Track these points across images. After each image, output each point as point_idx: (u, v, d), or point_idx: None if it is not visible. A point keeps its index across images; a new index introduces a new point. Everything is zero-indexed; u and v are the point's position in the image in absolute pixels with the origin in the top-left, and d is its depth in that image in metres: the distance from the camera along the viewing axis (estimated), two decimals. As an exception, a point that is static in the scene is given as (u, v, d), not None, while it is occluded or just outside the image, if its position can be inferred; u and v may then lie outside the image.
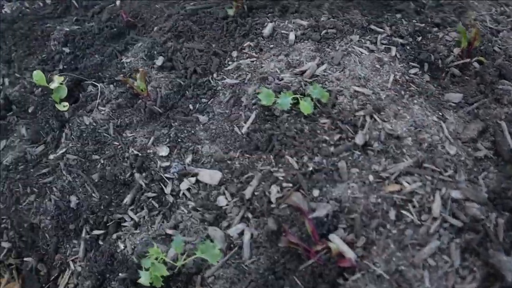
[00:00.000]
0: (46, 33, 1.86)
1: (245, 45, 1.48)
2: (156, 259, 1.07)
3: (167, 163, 1.27)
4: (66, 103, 1.55)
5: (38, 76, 1.52)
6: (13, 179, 1.46)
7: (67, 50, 1.77)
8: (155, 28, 1.73)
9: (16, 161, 1.49)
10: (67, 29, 1.82)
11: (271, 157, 1.20)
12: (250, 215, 1.13)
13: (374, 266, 1.00)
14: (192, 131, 1.32)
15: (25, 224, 1.38)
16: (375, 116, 1.18)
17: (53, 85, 1.54)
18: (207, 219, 1.16)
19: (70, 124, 1.46)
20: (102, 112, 1.46)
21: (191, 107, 1.37)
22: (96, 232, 1.28)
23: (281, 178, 1.13)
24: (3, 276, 1.42)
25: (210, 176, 1.21)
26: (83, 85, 1.64)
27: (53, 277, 1.34)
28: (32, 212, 1.38)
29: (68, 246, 1.33)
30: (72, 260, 1.30)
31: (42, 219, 1.35)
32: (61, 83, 1.55)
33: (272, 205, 1.12)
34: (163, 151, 1.32)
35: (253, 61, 1.42)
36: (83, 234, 1.30)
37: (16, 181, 1.45)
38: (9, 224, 1.45)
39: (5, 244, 1.44)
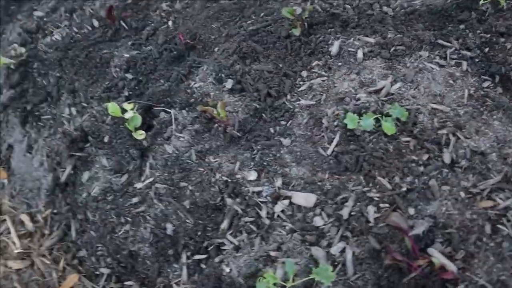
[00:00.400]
0: (104, 59, 1.93)
1: (313, 64, 1.54)
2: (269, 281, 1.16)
3: (259, 188, 1.35)
4: (142, 132, 1.62)
5: (113, 108, 1.59)
6: (104, 209, 1.55)
7: (129, 76, 1.84)
8: (216, 49, 1.78)
9: (103, 191, 1.58)
10: (127, 55, 1.88)
11: (361, 177, 1.28)
12: (349, 234, 1.22)
13: (476, 277, 1.09)
14: (277, 155, 1.39)
15: (123, 251, 1.48)
16: (458, 134, 1.25)
17: (127, 115, 1.61)
18: (308, 239, 1.24)
19: (153, 154, 1.53)
20: (181, 139, 1.53)
21: (271, 130, 1.44)
22: (197, 256, 1.37)
23: (377, 199, 1.22)
24: (105, 301, 1.53)
25: (305, 199, 1.29)
26: (153, 112, 1.71)
27: (157, 299, 1.44)
28: (129, 241, 1.47)
29: (169, 270, 1.42)
30: (176, 283, 1.40)
31: (141, 246, 1.44)
32: (134, 112, 1.62)
33: (371, 224, 1.20)
34: (251, 175, 1.40)
35: (324, 81, 1.48)
36: (183, 259, 1.39)
37: (107, 211, 1.54)
38: (105, 251, 1.54)
39: (104, 270, 1.54)
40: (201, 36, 1.86)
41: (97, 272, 1.57)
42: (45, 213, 1.80)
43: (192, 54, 1.84)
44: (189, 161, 1.50)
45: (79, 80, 1.94)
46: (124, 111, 1.58)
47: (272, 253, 1.26)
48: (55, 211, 1.77)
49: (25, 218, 1.84)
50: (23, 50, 2.09)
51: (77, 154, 1.69)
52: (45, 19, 2.25)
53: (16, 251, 1.75)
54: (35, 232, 1.80)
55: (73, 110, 1.88)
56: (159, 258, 1.42)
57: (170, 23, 1.98)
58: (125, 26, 2.09)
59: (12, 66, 2.04)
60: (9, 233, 1.83)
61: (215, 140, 1.53)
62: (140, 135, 1.61)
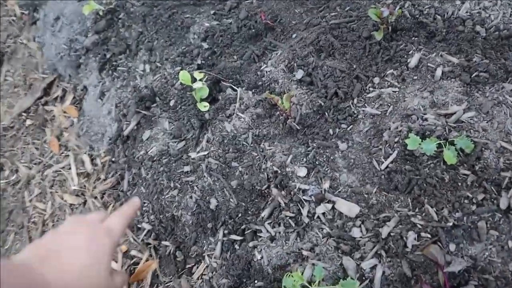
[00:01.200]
0: (185, 24, 1.97)
1: (388, 72, 1.50)
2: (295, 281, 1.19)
3: (306, 186, 1.36)
4: (207, 104, 1.67)
5: (184, 76, 1.64)
6: (157, 170, 1.63)
7: (205, 45, 1.88)
8: (294, 36, 1.78)
9: (160, 153, 1.66)
10: (207, 24, 1.91)
11: (409, 200, 1.26)
12: (383, 253, 1.22)
13: (504, 330, 1.06)
14: (331, 157, 1.40)
15: (166, 213, 1.56)
16: (522, 179, 1.19)
17: (196, 85, 1.66)
18: (342, 248, 1.26)
19: (212, 128, 1.58)
20: (242, 119, 1.56)
21: (330, 131, 1.44)
22: (233, 236, 1.42)
23: (420, 226, 1.20)
24: (142, 253, 1.63)
25: (349, 208, 1.29)
26: (221, 86, 1.75)
27: (188, 265, 1.52)
28: (174, 205, 1.54)
29: (205, 242, 1.49)
30: (208, 255, 1.47)
31: (183, 213, 1.51)
32: (203, 83, 1.67)
33: (407, 249, 1.19)
34: (302, 171, 1.41)
35: (395, 92, 1.45)
36: (219, 236, 1.45)
37: (160, 173, 1.62)
38: (150, 208, 1.63)
39: (146, 226, 1.63)
40: (282, 19, 1.85)
41: (139, 226, 1.67)
42: (104, 159, 1.91)
43: (270, 36, 1.84)
44: (244, 143, 1.53)
45: (158, 39, 2.00)
46: (194, 79, 1.63)
47: (305, 252, 1.28)
48: (113, 159, 1.88)
49: (86, 158, 1.97)
50: (113, -1, 2.18)
51: (143, 112, 1.77)
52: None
53: (73, 187, 1.89)
54: (92, 174, 1.92)
55: (147, 67, 1.96)
56: (197, 228, 1.49)
57: (254, 0, 1.98)
58: (211, -8, 2.11)
59: (100, 13, 2.13)
60: (70, 169, 1.97)
61: (273, 128, 1.55)
62: (205, 107, 1.65)
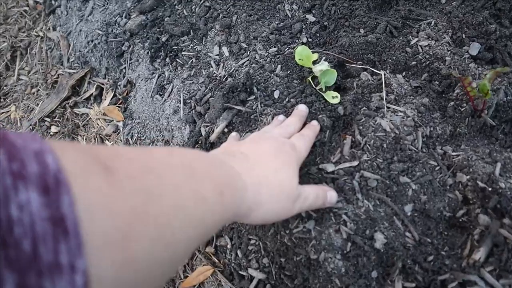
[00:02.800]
0: (275, -8, 1.45)
1: None
2: None
3: (545, 212, 0.84)
4: (337, 94, 1.15)
5: (303, 53, 1.13)
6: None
7: (311, 18, 1.36)
8: (443, 0, 1.27)
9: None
10: (310, -10, 1.40)
11: None
12: None
13: None
14: None
15: (296, 256, 1.02)
16: None
17: (318, 67, 1.14)
18: None
19: (360, 128, 1.05)
20: (400, 114, 1.05)
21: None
22: (424, 293, 0.89)
23: None
24: (253, 314, 1.08)
25: None
26: (348, 70, 1.23)
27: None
28: (309, 245, 1.00)
29: (370, 300, 0.95)
30: (376, 323, 0.92)
31: (328, 257, 0.97)
32: (328, 65, 1.15)
33: None
34: (525, 189, 0.89)
35: None
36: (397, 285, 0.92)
37: (278, 194, 1.08)
38: (261, 247, 1.10)
39: (255, 273, 1.11)
40: (420, -21, 1.35)
41: (243, 273, 1.13)
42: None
43: (403, 2, 1.33)
44: (412, 147, 1.01)
45: (237, 13, 1.48)
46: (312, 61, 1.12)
47: None
48: (187, 175, 1.33)
49: (143, 175, 1.41)
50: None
51: (237, 107, 1.24)
52: None
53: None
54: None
55: (225, 50, 1.43)
56: (355, 280, 0.95)
57: (367, -41, 1.47)
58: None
59: (149, -14, 1.61)
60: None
61: (451, 125, 1.03)
62: (334, 98, 1.13)
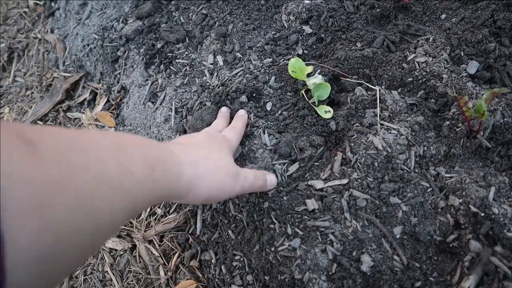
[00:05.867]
0: (272, 2, 1.43)
1: None
2: None
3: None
4: (330, 109, 1.12)
5: (297, 65, 1.11)
6: (258, 205, 1.06)
7: (308, 29, 1.33)
8: (443, 16, 1.24)
9: (262, 181, 1.08)
10: (308, 1, 1.37)
11: None
12: None
13: None
14: None
15: (280, 275, 0.98)
16: None
17: (312, 80, 1.11)
18: None
19: (351, 144, 1.02)
20: (393, 131, 1.01)
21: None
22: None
23: None
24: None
25: None
26: (343, 84, 1.20)
27: None
28: (294, 263, 0.97)
29: (352, 326, 0.91)
30: None
31: (313, 277, 0.94)
32: (322, 78, 1.12)
33: None
34: (519, 215, 0.85)
35: None
36: (381, 316, 0.87)
37: (262, 211, 1.05)
38: (246, 265, 1.06)
39: (240, 291, 1.05)
40: (420, -5, 1.32)
41: (225, 289, 1.09)
42: (161, 185, 1.33)
43: (402, 17, 1.30)
44: (404, 167, 0.97)
45: (234, 22, 1.46)
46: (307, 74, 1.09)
47: None
48: (175, 186, 1.30)
49: (131, 184, 1.38)
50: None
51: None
52: None
53: (114, 224, 1.29)
54: (142, 206, 1.33)
55: (220, 59, 1.40)
56: (341, 303, 0.91)
57: (368, -28, 1.44)
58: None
59: (147, -8, 1.59)
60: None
61: (445, 145, 1.00)
62: (327, 112, 1.10)
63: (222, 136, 0.95)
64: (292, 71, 1.14)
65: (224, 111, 1.15)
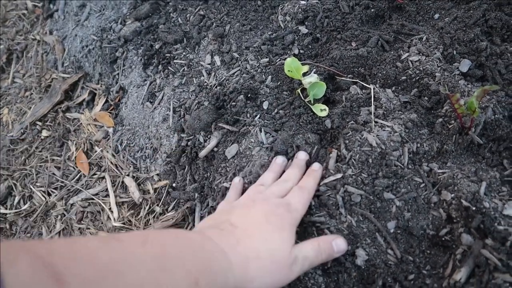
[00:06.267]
0: (269, 3, 1.45)
1: None
2: None
3: (527, 233, 0.82)
4: (325, 107, 1.14)
5: (293, 65, 1.13)
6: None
7: (304, 30, 1.36)
8: (436, 16, 1.26)
9: (255, 178, 1.11)
10: (304, 2, 1.39)
11: None
12: None
13: None
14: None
15: None
16: None
17: (307, 79, 1.14)
18: None
19: (346, 142, 1.04)
20: (387, 129, 1.04)
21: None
22: (405, 314, 0.87)
23: None
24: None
25: None
26: (338, 83, 1.22)
27: None
28: None
29: (348, 318, 0.93)
30: None
31: (309, 272, 0.95)
32: (318, 77, 1.15)
33: None
34: (509, 208, 0.88)
35: None
36: (376, 308, 0.90)
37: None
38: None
39: None
40: (413, -5, 1.34)
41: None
42: (159, 184, 1.36)
43: (397, 17, 1.33)
44: (397, 163, 0.99)
45: (231, 23, 1.48)
46: (303, 73, 1.11)
47: None
48: (174, 184, 1.33)
49: (130, 182, 1.41)
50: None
51: (226, 126, 1.23)
52: None
53: (113, 222, 1.32)
54: (140, 204, 1.36)
55: (217, 59, 1.42)
56: (336, 297, 0.93)
57: (363, -27, 1.47)
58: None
59: (144, -6, 1.61)
60: (107, 196, 1.40)
61: (438, 142, 1.02)
62: (322, 111, 1.12)
63: (286, 205, 0.82)
64: (288, 71, 1.16)
65: (301, 158, 1.00)
